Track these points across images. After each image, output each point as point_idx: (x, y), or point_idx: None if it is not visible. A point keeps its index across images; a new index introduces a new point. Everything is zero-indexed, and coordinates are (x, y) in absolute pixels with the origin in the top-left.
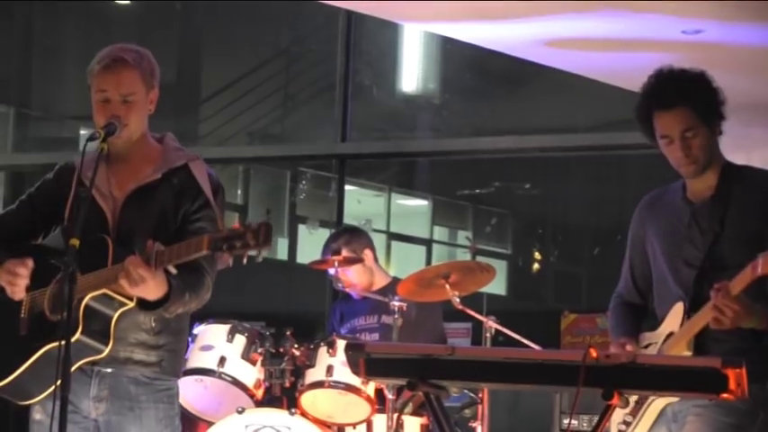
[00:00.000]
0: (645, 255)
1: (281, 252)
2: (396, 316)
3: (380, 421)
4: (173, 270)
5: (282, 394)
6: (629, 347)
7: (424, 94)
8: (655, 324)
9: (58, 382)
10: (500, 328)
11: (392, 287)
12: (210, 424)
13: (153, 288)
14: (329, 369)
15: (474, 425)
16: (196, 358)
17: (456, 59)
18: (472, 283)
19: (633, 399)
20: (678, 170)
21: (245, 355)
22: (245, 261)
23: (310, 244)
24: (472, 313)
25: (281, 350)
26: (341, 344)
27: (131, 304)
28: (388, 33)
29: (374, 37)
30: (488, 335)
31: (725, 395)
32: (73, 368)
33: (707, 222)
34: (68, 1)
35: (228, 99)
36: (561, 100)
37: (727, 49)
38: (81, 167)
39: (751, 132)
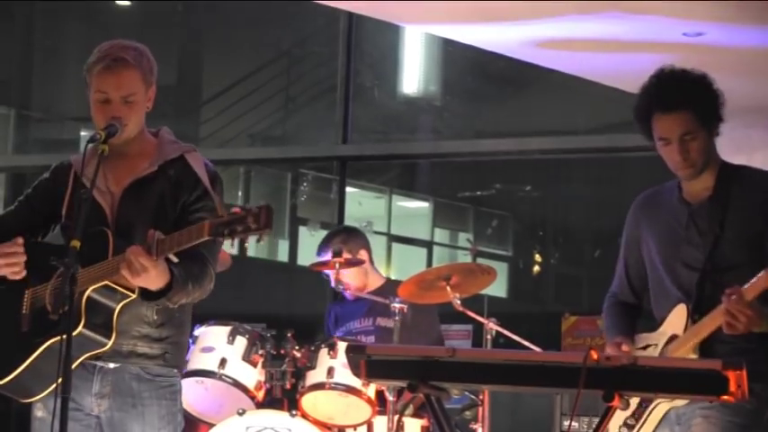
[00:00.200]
0: (640, 255)
1: (282, 254)
2: (396, 318)
3: (381, 423)
4: (174, 259)
5: (283, 396)
6: (624, 347)
7: (425, 96)
8: (651, 324)
9: (60, 380)
10: (501, 329)
11: (386, 288)
12: (211, 426)
13: (155, 277)
14: (330, 371)
15: (475, 427)
16: (197, 360)
17: (457, 62)
18: (473, 285)
19: (635, 401)
20: (675, 172)
21: (246, 357)
22: (246, 244)
23: (311, 246)
24: (473, 315)
25: (282, 352)
26: (342, 345)
27: (134, 296)
28: (389, 35)
29: (375, 39)
30: (489, 337)
31: (725, 397)
32: (76, 362)
33: (706, 224)
34: (69, 1)
35: (229, 101)
36: (562, 102)
37: (729, 51)
38: (83, 169)
39: (752, 134)
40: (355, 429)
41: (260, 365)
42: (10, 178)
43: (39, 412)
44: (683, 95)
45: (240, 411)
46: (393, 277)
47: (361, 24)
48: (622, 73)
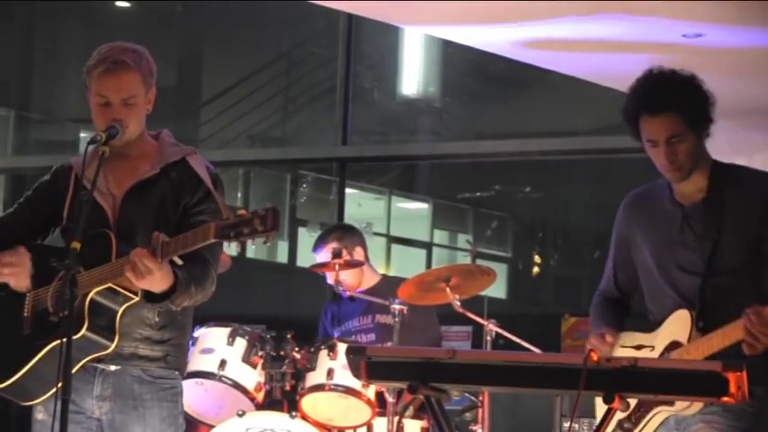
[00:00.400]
0: (630, 255)
1: (282, 255)
2: (396, 318)
3: (381, 424)
4: (179, 261)
5: (283, 397)
6: (608, 338)
7: (424, 98)
8: (642, 324)
9: (60, 383)
10: (501, 331)
11: (382, 285)
12: (211, 427)
13: (159, 280)
14: (330, 372)
15: (474, 428)
16: (197, 361)
17: (456, 63)
18: (472, 286)
19: (632, 403)
20: (663, 174)
21: (246, 359)
22: (253, 245)
23: (311, 247)
24: (472, 316)
25: (282, 353)
26: (341, 347)
27: (137, 298)
28: (388, 37)
29: (375, 40)
30: (489, 338)
31: (725, 399)
32: (78, 365)
33: (702, 227)
34: (69, 2)
35: (229, 102)
36: (561, 103)
37: (728, 52)
38: (83, 171)
39: (752, 136)
40: (355, 431)
41: (260, 367)
42: (9, 180)
43: (39, 415)
44: (671, 97)
45: (240, 413)
46: None
47: (361, 26)
48: (622, 74)
